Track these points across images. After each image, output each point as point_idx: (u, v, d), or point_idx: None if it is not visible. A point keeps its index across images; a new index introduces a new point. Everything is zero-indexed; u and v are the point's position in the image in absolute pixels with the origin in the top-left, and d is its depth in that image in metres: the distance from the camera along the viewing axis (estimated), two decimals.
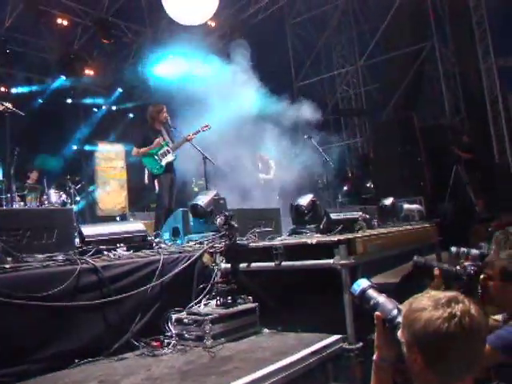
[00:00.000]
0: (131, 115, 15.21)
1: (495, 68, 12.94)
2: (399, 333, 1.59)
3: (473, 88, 13.21)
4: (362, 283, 1.85)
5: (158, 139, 6.66)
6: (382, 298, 1.77)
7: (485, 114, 12.91)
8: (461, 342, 1.40)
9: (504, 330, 2.30)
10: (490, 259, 2.61)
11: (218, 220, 3.94)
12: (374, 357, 1.72)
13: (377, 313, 1.73)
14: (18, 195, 9.09)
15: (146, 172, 6.83)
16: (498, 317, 2.58)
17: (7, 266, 3.17)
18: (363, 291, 1.82)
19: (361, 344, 3.45)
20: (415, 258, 2.83)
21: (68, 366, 3.13)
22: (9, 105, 5.62)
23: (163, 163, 6.60)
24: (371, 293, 1.81)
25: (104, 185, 15.27)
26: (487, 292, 2.48)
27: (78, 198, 10.61)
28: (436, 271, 2.62)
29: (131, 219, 10.29)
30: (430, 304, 1.47)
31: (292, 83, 15.26)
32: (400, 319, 1.63)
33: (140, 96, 15.11)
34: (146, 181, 6.88)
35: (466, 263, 2.72)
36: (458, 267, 2.66)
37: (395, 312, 1.69)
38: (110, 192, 15.40)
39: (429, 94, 13.88)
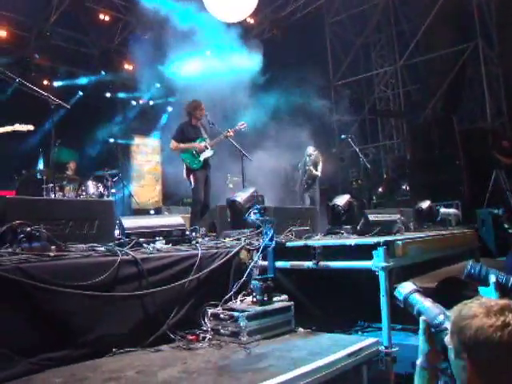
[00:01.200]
0: (170, 109, 15.30)
1: None
2: (446, 339, 1.56)
3: None
4: (406, 286, 1.82)
5: (200, 144, 6.71)
6: (427, 303, 1.74)
7: None
8: None
9: None
10: None
11: (252, 214, 3.94)
12: (418, 362, 1.69)
13: (423, 317, 1.70)
14: (57, 186, 9.29)
15: (184, 166, 6.89)
16: None
17: (52, 254, 3.25)
18: (408, 295, 1.79)
19: (397, 348, 3.41)
20: (470, 264, 2.72)
21: (106, 355, 3.19)
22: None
23: (201, 158, 6.66)
24: (417, 297, 1.78)
25: (139, 178, 15.50)
26: None
27: (113, 191, 10.79)
28: (493, 278, 2.55)
29: (166, 213, 10.42)
30: (481, 311, 1.43)
31: (330, 83, 15.13)
32: (447, 325, 1.60)
33: (177, 92, 15.28)
34: (185, 176, 6.95)
35: None
36: None
37: (442, 317, 1.66)
38: (145, 186, 15.63)
39: (469, 96, 13.55)
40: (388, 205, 10.36)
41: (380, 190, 12.63)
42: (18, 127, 5.65)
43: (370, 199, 11.57)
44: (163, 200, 15.11)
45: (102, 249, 3.57)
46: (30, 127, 5.75)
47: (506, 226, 8.27)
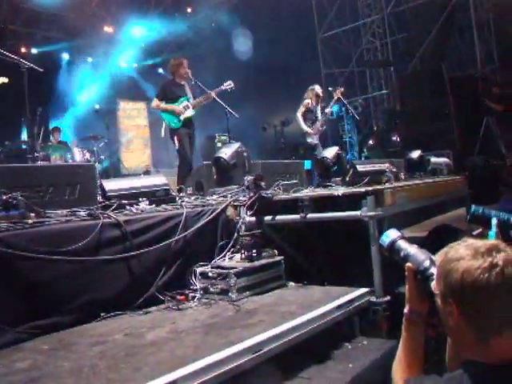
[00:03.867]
0: (160, 70, 14.94)
1: None
2: (433, 284, 1.48)
3: (508, 36, 12.52)
4: (391, 234, 1.74)
5: (179, 107, 6.53)
6: (413, 249, 1.66)
7: None
8: (502, 293, 1.28)
9: None
10: None
11: (247, 181, 3.85)
12: (405, 310, 1.63)
13: (408, 264, 1.62)
14: (43, 155, 9.13)
15: (164, 125, 6.74)
16: None
17: (30, 221, 3.15)
18: (393, 242, 1.72)
19: (388, 297, 3.38)
20: (473, 207, 2.68)
21: (94, 320, 3.14)
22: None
23: (182, 118, 6.48)
24: (401, 243, 1.70)
25: (128, 143, 15.30)
26: None
27: (102, 157, 10.63)
28: (495, 220, 2.51)
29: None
30: (468, 253, 1.35)
31: (315, 35, 14.76)
32: (433, 270, 1.52)
33: (162, 52, 14.93)
34: (163, 134, 6.81)
35: None
36: None
37: (427, 263, 1.58)
38: (134, 150, 15.44)
39: (459, 43, 13.25)
40: (379, 157, 10.27)
41: (370, 142, 12.51)
42: None
43: (360, 151, 11.49)
44: (153, 163, 14.97)
45: (83, 213, 3.47)
46: (4, 79, 5.53)
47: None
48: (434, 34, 12.76)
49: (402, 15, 13.90)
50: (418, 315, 1.60)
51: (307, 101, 8.26)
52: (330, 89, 8.58)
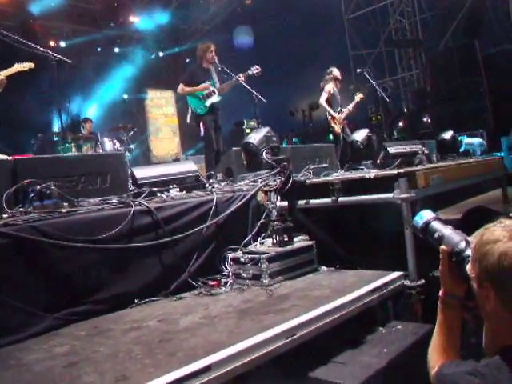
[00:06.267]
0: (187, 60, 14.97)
1: None
2: (468, 267, 1.43)
3: None
4: (425, 215, 1.69)
5: (205, 83, 6.50)
6: (447, 230, 1.61)
7: None
8: None
9: None
10: None
11: (264, 154, 3.80)
12: (440, 293, 1.58)
13: (442, 246, 1.57)
14: (74, 145, 9.28)
15: (190, 111, 6.72)
16: None
17: (63, 211, 3.20)
18: (427, 223, 1.67)
19: (423, 281, 3.31)
20: None
21: (128, 306, 3.19)
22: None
23: (207, 104, 6.45)
24: (436, 225, 1.65)
25: (156, 132, 15.43)
26: None
27: (132, 146, 10.74)
28: None
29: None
30: (504, 235, 1.30)
31: (342, 16, 14.50)
32: (469, 252, 1.47)
33: (189, 39, 14.93)
34: (188, 120, 6.79)
35: None
36: None
37: (463, 244, 1.52)
38: (163, 139, 15.58)
39: (492, 17, 12.79)
40: (410, 139, 10.07)
41: (401, 124, 12.26)
42: (18, 67, 5.51)
43: (390, 134, 11.29)
44: (183, 151, 15.07)
45: (115, 201, 3.50)
46: (31, 65, 5.60)
47: None
48: (466, 9, 12.37)
49: None
50: (454, 298, 1.56)
51: (329, 86, 8.14)
52: (358, 70, 8.42)
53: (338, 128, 8.03)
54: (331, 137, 9.37)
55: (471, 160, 5.75)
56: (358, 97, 8.30)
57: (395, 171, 3.55)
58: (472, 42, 11.46)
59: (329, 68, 8.40)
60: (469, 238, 1.54)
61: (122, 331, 2.73)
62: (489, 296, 1.33)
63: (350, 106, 8.30)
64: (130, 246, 3.25)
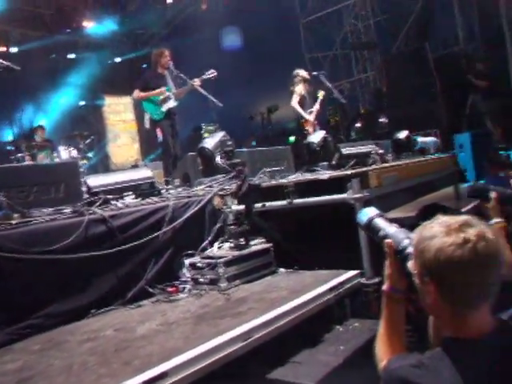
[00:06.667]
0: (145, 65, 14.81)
1: None
2: (410, 264, 1.48)
3: (489, 12, 12.48)
4: (368, 212, 1.72)
5: (160, 88, 6.45)
6: (392, 228, 1.64)
7: (502, 39, 12.25)
8: (476, 268, 1.28)
9: None
10: None
11: (218, 158, 3.82)
12: (385, 287, 1.62)
13: (388, 240, 1.60)
14: (28, 155, 9.03)
15: (146, 117, 6.66)
16: None
17: (13, 222, 3.12)
18: (370, 220, 1.69)
19: (378, 279, 3.38)
20: (473, 181, 2.83)
21: (85, 317, 3.13)
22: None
23: (164, 109, 6.40)
24: (380, 222, 1.67)
25: (115, 138, 15.19)
26: None
27: (90, 154, 10.54)
28: (493, 194, 2.65)
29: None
30: (441, 230, 1.34)
31: (297, 19, 14.66)
32: (411, 249, 1.51)
33: (147, 44, 14.79)
34: (147, 125, 6.72)
35: None
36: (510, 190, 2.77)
37: (406, 242, 1.56)
38: (122, 145, 15.34)
39: (442, 21, 13.20)
40: (367, 139, 10.26)
41: (358, 124, 12.47)
42: None
43: (348, 135, 11.46)
44: (143, 157, 14.88)
45: (68, 211, 3.44)
46: None
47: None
48: (416, 13, 12.72)
49: None
50: (398, 292, 1.58)
51: (299, 89, 8.02)
52: (313, 73, 8.47)
53: (311, 130, 7.96)
54: (292, 139, 9.41)
55: (424, 158, 5.91)
56: (321, 94, 8.27)
57: (348, 172, 3.63)
58: (423, 45, 11.78)
59: (294, 70, 8.31)
60: (412, 235, 1.58)
61: (77, 342, 2.69)
62: (429, 290, 1.37)
63: (317, 105, 8.20)
64: (85, 256, 3.20)
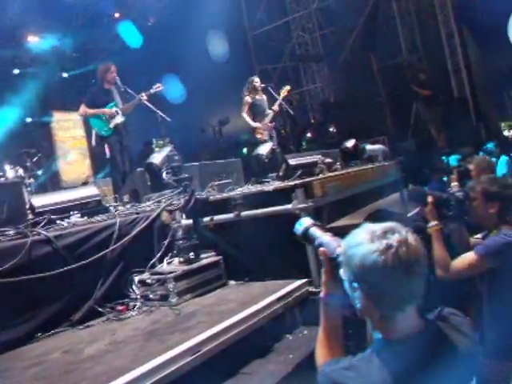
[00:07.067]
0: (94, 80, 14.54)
1: (449, 3, 12.74)
2: (341, 271, 1.54)
3: (428, 24, 13.05)
4: (304, 222, 1.78)
5: (112, 110, 6.37)
6: (326, 237, 1.70)
7: (442, 50, 12.82)
8: (399, 273, 1.35)
9: (487, 240, 2.67)
10: (472, 184, 2.87)
11: (164, 174, 3.82)
12: (322, 295, 1.68)
13: (322, 249, 1.66)
14: None
15: (94, 133, 6.57)
16: (479, 235, 2.94)
17: None
18: (306, 230, 1.75)
19: None
20: (410, 186, 2.96)
21: (31, 341, 3.06)
22: None
23: (112, 125, 6.33)
24: (315, 231, 1.73)
25: (65, 155, 14.84)
26: (471, 213, 2.78)
27: (39, 172, 10.25)
28: (430, 198, 2.80)
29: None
30: (366, 237, 1.41)
31: (246, 33, 14.85)
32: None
33: (95, 59, 14.57)
34: (94, 143, 6.64)
35: (455, 189, 3.13)
36: (446, 194, 2.94)
37: (339, 250, 1.62)
38: (73, 162, 14.98)
39: (385, 33, 13.69)
40: (317, 149, 10.46)
41: (309, 135, 12.71)
42: None
43: (299, 146, 11.66)
44: (94, 174, 14.58)
45: (11, 232, 3.35)
46: None
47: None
48: (360, 26, 13.14)
49: (329, 9, 14.22)
50: (334, 298, 1.64)
51: (246, 98, 8.03)
52: (262, 85, 8.52)
53: (264, 136, 7.87)
54: (245, 151, 9.41)
55: (370, 166, 6.07)
56: (286, 90, 8.14)
57: (292, 183, 3.70)
58: (367, 56, 12.19)
59: (250, 77, 8.34)
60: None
61: (22, 369, 2.62)
62: (358, 296, 1.44)
63: (275, 106, 8.03)
64: (29, 278, 3.12)
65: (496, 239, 2.59)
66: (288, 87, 8.25)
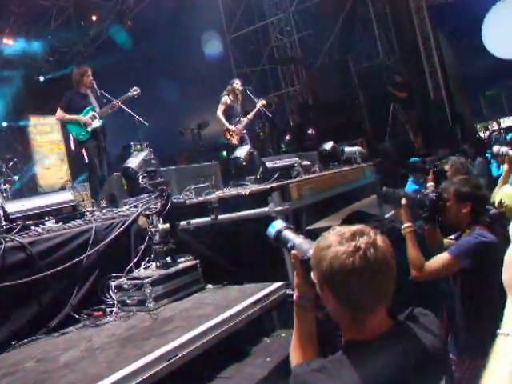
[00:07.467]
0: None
1: (425, 6, 12.93)
2: (312, 274, 1.55)
3: (404, 27, 13.21)
4: (276, 225, 1.79)
5: (86, 117, 6.31)
6: (298, 240, 1.71)
7: (418, 52, 12.99)
8: (368, 274, 1.36)
9: (460, 241, 2.72)
10: (445, 185, 2.92)
11: (140, 178, 3.81)
12: (295, 297, 1.68)
13: (293, 251, 1.67)
14: None
15: (72, 138, 6.50)
16: (452, 236, 2.97)
17: None
18: (278, 232, 1.76)
19: None
20: (384, 188, 3.00)
21: (5, 350, 3.01)
22: None
23: (89, 129, 6.28)
24: (287, 234, 1.74)
25: (42, 160, 14.64)
26: (445, 214, 2.83)
27: (15, 177, 10.10)
28: (403, 200, 2.86)
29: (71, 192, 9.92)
30: (335, 239, 1.42)
31: (225, 35, 14.86)
32: None
33: (71, 62, 14.42)
34: (73, 147, 6.57)
35: (428, 191, 3.13)
36: (420, 195, 2.95)
37: (311, 252, 1.64)
38: (51, 167, 14.80)
39: (362, 35, 13.84)
40: (296, 151, 10.51)
41: (287, 137, 12.76)
42: None
43: (278, 148, 11.68)
44: (73, 178, 14.42)
45: None
46: None
47: None
48: (337, 28, 13.25)
49: (307, 12, 14.30)
50: (307, 300, 1.64)
51: (225, 98, 8.09)
52: (243, 87, 8.52)
53: (235, 140, 7.94)
54: (224, 154, 9.41)
55: (347, 168, 6.12)
56: (261, 102, 8.28)
57: (268, 186, 3.71)
58: (345, 58, 12.28)
59: (232, 79, 8.40)
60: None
61: None
62: (328, 298, 1.45)
63: (251, 115, 8.24)
64: (2, 286, 3.08)
65: (468, 239, 2.63)
66: (264, 102, 8.36)
